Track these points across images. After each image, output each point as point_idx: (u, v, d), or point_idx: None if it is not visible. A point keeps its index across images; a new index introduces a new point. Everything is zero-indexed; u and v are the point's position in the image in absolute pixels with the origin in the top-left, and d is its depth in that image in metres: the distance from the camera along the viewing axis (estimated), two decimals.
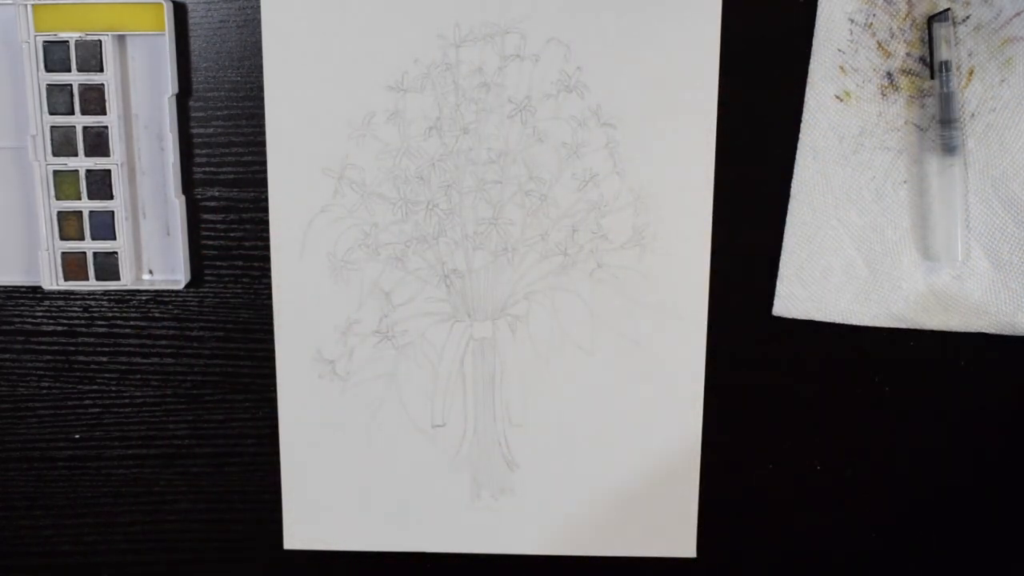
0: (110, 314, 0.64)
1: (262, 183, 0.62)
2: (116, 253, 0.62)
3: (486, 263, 0.63)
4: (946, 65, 0.59)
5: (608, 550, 0.66)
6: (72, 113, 0.60)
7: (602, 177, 0.62)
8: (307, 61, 0.61)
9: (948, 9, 0.59)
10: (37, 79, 0.60)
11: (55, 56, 0.60)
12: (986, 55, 0.60)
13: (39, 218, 0.61)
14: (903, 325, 0.63)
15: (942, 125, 0.60)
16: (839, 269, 0.63)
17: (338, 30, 0.61)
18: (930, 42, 0.60)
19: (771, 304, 0.63)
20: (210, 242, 0.63)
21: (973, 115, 0.61)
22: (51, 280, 0.62)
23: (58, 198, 0.61)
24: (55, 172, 0.61)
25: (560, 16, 0.60)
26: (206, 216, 0.63)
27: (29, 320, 0.64)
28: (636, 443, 0.65)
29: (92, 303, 0.64)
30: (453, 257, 0.63)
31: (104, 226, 0.62)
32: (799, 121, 0.61)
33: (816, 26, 0.60)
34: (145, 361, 0.65)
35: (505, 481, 0.66)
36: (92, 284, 0.62)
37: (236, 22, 0.61)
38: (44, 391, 0.65)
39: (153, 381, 0.65)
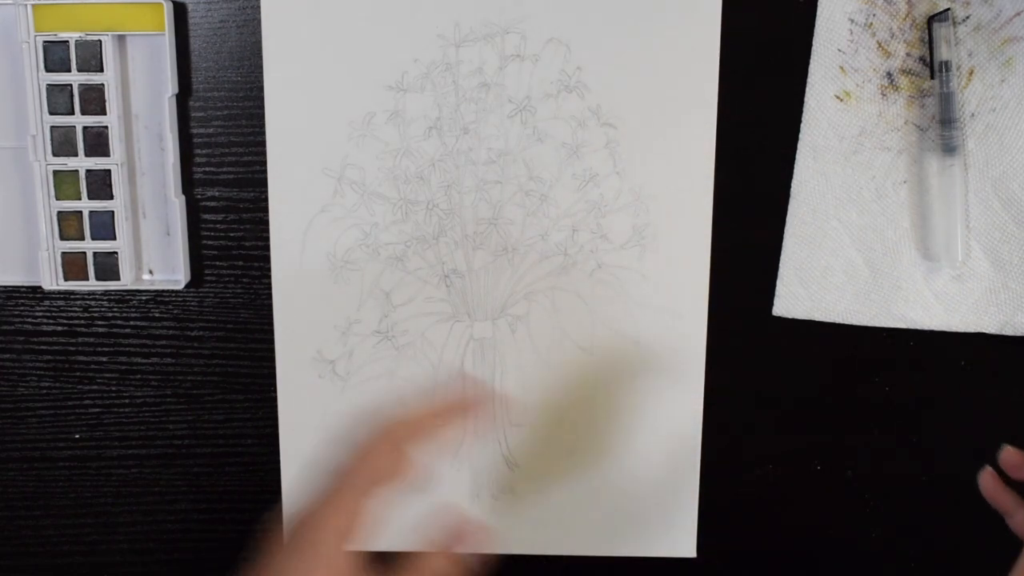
0: (110, 314, 0.64)
1: (262, 183, 0.62)
2: (116, 253, 0.62)
3: (486, 263, 0.63)
4: (946, 65, 0.59)
5: (608, 550, 0.66)
6: (72, 113, 0.60)
7: (602, 177, 0.62)
8: (307, 61, 0.61)
9: (948, 9, 0.59)
10: (37, 79, 0.60)
11: (55, 56, 0.60)
12: (986, 55, 0.60)
13: (39, 218, 0.61)
14: (903, 325, 0.63)
15: (942, 125, 0.60)
16: (839, 269, 0.63)
17: (338, 30, 0.61)
18: (930, 42, 0.60)
19: (771, 304, 0.63)
20: (210, 242, 0.63)
21: (973, 115, 0.61)
22: (51, 280, 0.62)
23: (58, 198, 0.61)
24: (55, 172, 0.61)
25: (560, 16, 0.60)
26: (206, 216, 0.63)
27: (29, 320, 0.64)
28: (636, 443, 0.65)
29: (92, 303, 0.64)
30: (453, 257, 0.63)
31: (104, 226, 0.62)
32: (799, 121, 0.61)
33: (816, 26, 0.60)
34: (145, 361, 0.65)
35: (505, 481, 0.66)
36: (92, 284, 0.62)
37: (236, 22, 0.61)
38: (44, 391, 0.65)
39: (153, 381, 0.65)
